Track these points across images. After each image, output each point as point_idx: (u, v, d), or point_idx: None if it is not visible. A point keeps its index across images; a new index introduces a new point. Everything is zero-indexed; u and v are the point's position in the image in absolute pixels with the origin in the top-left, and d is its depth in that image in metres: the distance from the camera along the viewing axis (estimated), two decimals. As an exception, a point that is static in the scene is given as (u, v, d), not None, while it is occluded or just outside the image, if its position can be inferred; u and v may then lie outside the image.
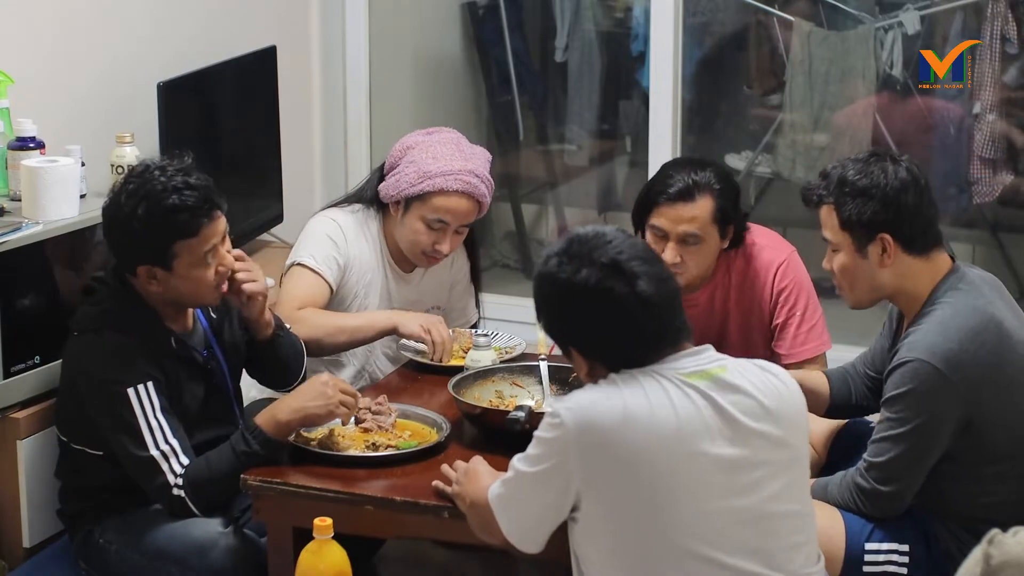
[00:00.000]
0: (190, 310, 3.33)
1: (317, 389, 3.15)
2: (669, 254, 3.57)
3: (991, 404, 3.00)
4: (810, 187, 3.16)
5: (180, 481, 3.13)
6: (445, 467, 2.95)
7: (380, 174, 3.84)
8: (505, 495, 2.62)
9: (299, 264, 3.73)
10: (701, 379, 2.52)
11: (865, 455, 3.07)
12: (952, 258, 3.14)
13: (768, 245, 3.77)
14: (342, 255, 3.74)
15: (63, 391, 3.34)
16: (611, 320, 2.54)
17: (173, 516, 3.18)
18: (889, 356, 3.13)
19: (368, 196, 3.83)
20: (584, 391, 2.55)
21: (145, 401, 3.14)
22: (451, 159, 3.72)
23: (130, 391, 3.13)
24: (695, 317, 3.62)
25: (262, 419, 3.14)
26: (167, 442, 3.13)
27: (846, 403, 3.38)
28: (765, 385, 2.57)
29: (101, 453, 3.25)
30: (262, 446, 3.11)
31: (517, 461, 2.60)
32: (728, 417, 2.51)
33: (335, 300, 3.76)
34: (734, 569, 2.47)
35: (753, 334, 3.75)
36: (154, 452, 3.13)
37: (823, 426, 3.45)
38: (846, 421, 3.48)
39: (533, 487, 2.57)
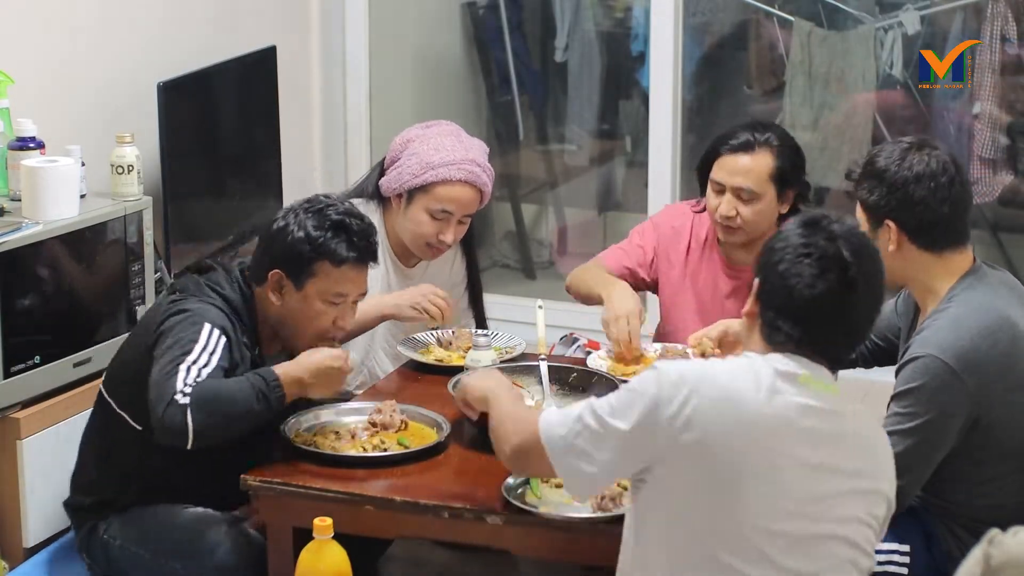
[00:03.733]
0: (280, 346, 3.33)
1: (332, 372, 3.12)
2: (724, 206, 3.67)
3: (1000, 404, 3.00)
4: (852, 167, 3.20)
5: (187, 390, 3.00)
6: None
7: (380, 169, 3.85)
8: (572, 437, 2.53)
9: None
10: (815, 386, 2.51)
11: None
12: (975, 258, 3.13)
13: None
14: None
15: (132, 345, 3.27)
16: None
17: (164, 437, 3.00)
18: (902, 351, 3.14)
19: (369, 191, 3.85)
20: (691, 362, 2.55)
21: (211, 341, 3.09)
22: (453, 150, 3.76)
23: (206, 326, 3.10)
24: (736, 289, 3.76)
25: (281, 371, 3.08)
26: (200, 369, 3.04)
27: None
28: (868, 427, 2.59)
29: (140, 428, 3.19)
30: (275, 389, 3.04)
31: (601, 409, 2.52)
32: (825, 426, 2.50)
33: None
34: (786, 570, 2.47)
35: None
36: (182, 367, 3.03)
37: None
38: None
39: (612, 440, 2.50)
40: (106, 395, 3.29)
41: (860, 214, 3.12)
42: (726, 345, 3.35)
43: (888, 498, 2.61)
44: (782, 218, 3.78)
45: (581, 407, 2.55)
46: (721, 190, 3.70)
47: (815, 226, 2.55)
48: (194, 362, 3.04)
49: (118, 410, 3.25)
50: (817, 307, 2.51)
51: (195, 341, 3.07)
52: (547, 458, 2.56)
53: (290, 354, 3.27)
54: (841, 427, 2.52)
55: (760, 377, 2.48)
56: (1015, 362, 3.01)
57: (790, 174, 3.71)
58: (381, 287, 3.85)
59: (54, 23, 4.11)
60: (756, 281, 2.59)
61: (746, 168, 3.67)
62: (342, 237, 3.21)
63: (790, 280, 2.51)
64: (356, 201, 3.82)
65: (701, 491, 2.46)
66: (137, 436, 3.20)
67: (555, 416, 2.59)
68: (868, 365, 3.43)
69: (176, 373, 3.01)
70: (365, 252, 3.25)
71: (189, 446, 2.98)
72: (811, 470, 2.48)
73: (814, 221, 2.56)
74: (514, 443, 2.67)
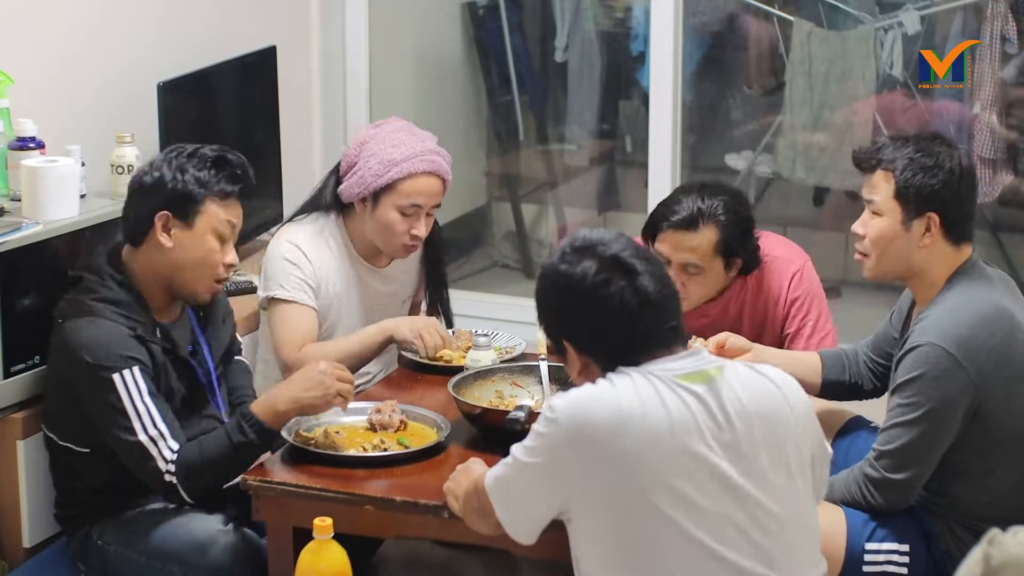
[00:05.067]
0: (179, 303, 3.34)
1: (315, 378, 3.15)
2: (672, 277, 3.58)
3: (999, 393, 3.01)
4: (866, 151, 3.18)
5: (172, 468, 3.11)
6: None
7: (336, 177, 3.82)
8: (502, 478, 2.62)
9: (274, 299, 3.73)
10: (696, 381, 2.52)
11: (875, 445, 3.08)
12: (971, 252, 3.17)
13: (782, 256, 3.76)
14: (307, 274, 3.73)
15: (50, 384, 3.33)
16: (606, 313, 2.55)
17: (166, 499, 3.18)
18: (899, 343, 3.14)
19: (327, 201, 3.81)
20: (580, 389, 2.55)
21: (132, 386, 3.13)
22: (409, 143, 3.73)
23: (116, 376, 3.13)
24: (707, 327, 3.63)
25: (259, 408, 3.14)
26: (155, 427, 3.12)
27: (839, 383, 3.42)
28: (760, 389, 2.57)
29: (88, 450, 3.24)
30: (258, 436, 3.11)
31: (516, 448, 2.60)
32: (721, 418, 2.51)
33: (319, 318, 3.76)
34: (732, 565, 2.48)
35: (764, 341, 3.75)
36: (142, 437, 3.12)
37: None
38: (846, 421, 3.49)
39: (528, 477, 2.57)
40: (47, 431, 3.35)
41: (889, 204, 3.11)
42: (725, 354, 3.32)
43: (812, 445, 2.61)
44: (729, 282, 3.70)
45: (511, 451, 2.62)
46: (667, 262, 3.57)
47: (576, 253, 2.59)
48: (143, 425, 3.12)
49: (62, 443, 3.30)
50: (632, 312, 2.54)
51: (120, 401, 3.12)
52: (491, 501, 2.64)
53: (195, 311, 3.36)
54: (729, 409, 2.51)
55: (642, 391, 2.50)
56: (1013, 351, 3.04)
57: (737, 244, 3.60)
58: (357, 294, 3.83)
59: (54, 23, 4.11)
60: (566, 344, 2.61)
61: (690, 246, 3.57)
62: (226, 172, 3.25)
63: (602, 306, 2.54)
64: (312, 215, 3.81)
65: (620, 511, 2.48)
66: (89, 457, 3.26)
67: (495, 467, 2.65)
68: (881, 391, 3.39)
69: (144, 447, 3.12)
70: (248, 184, 3.29)
71: (194, 503, 3.17)
72: (716, 463, 2.48)
73: (575, 248, 2.60)
74: (472, 505, 2.74)
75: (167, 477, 3.12)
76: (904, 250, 3.12)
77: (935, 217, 3.08)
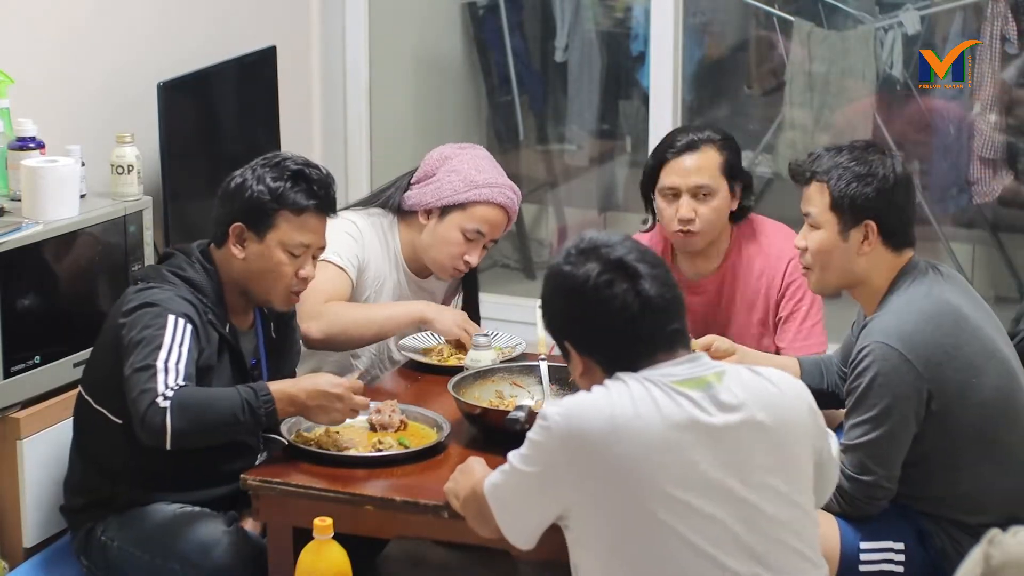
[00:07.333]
0: (251, 313, 3.34)
1: (331, 401, 3.10)
2: (684, 209, 3.70)
3: (951, 386, 3.03)
4: (801, 164, 3.24)
5: (170, 393, 3.01)
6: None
7: (407, 182, 3.84)
8: (500, 485, 2.62)
9: (324, 260, 3.72)
10: (694, 387, 2.51)
11: (840, 450, 3.08)
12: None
13: (782, 237, 3.83)
14: (361, 253, 3.78)
15: (103, 342, 3.28)
16: (609, 315, 2.54)
17: (143, 435, 3.01)
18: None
19: (393, 203, 3.84)
20: (574, 397, 2.54)
21: (178, 332, 3.10)
22: (493, 172, 3.80)
23: (171, 316, 3.11)
24: (701, 305, 3.74)
25: (276, 387, 3.10)
26: (176, 366, 3.05)
27: (817, 390, 3.39)
28: (761, 393, 2.56)
29: (120, 423, 3.20)
30: (265, 403, 3.04)
31: (513, 456, 2.60)
32: (718, 423, 2.49)
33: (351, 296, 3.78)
34: (730, 571, 2.47)
35: (753, 326, 3.78)
36: (159, 364, 3.04)
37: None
38: (840, 423, 3.49)
39: (524, 485, 2.57)
40: (84, 393, 3.31)
41: (825, 215, 3.16)
42: (711, 356, 3.31)
43: (815, 447, 2.61)
44: (731, 217, 3.78)
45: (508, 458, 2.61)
46: (676, 194, 3.70)
47: (581, 255, 2.58)
48: (167, 358, 3.05)
49: (96, 407, 3.26)
50: (633, 315, 2.53)
51: (162, 335, 3.08)
52: (494, 515, 2.63)
53: (263, 321, 3.33)
54: (725, 417, 2.50)
55: (636, 397, 2.49)
56: (961, 343, 3.06)
57: (736, 167, 3.75)
58: (393, 294, 3.85)
59: (54, 23, 4.11)
60: (567, 345, 2.61)
61: (698, 166, 3.70)
62: (301, 186, 3.24)
63: (603, 308, 2.53)
64: (373, 210, 3.83)
65: (617, 518, 2.47)
66: (119, 431, 3.21)
67: (494, 474, 2.65)
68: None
69: (155, 372, 3.02)
70: (325, 201, 3.28)
71: (168, 447, 3.01)
72: (712, 469, 2.47)
73: (580, 250, 2.59)
74: (472, 510, 2.74)
75: (161, 401, 2.99)
76: (844, 260, 3.16)
77: (872, 225, 3.12)
